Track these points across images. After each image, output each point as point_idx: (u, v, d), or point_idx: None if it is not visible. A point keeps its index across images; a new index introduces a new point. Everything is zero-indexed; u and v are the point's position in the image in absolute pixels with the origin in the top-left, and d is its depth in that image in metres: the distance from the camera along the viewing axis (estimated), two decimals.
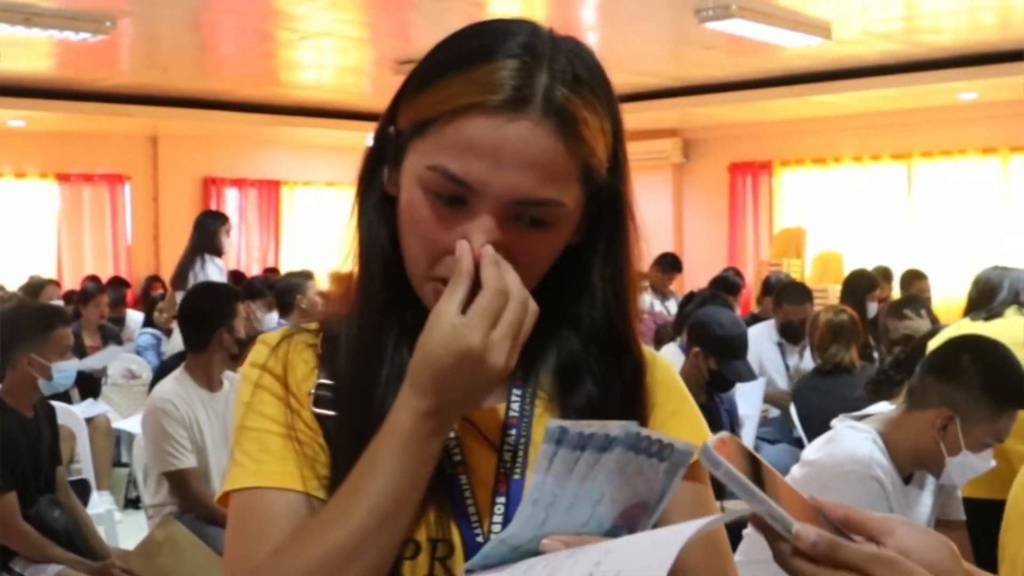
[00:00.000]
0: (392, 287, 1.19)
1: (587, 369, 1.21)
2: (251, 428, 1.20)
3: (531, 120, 1.09)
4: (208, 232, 8.04)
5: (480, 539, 1.15)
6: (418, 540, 1.13)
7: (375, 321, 1.19)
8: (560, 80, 1.11)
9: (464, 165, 1.09)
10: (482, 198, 1.10)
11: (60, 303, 8.70)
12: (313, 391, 1.20)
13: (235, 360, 4.51)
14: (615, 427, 0.98)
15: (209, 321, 4.54)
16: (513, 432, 1.20)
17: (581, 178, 1.14)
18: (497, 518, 1.16)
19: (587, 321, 1.21)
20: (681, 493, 1.19)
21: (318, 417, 1.19)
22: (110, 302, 9.51)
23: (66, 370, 4.36)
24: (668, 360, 1.34)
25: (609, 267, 1.21)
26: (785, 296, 7.13)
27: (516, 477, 1.18)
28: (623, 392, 1.21)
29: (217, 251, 7.97)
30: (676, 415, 1.26)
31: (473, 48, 1.13)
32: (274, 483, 1.16)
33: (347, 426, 1.17)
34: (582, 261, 1.20)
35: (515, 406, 1.21)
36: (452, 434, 1.17)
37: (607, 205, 1.18)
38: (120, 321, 9.66)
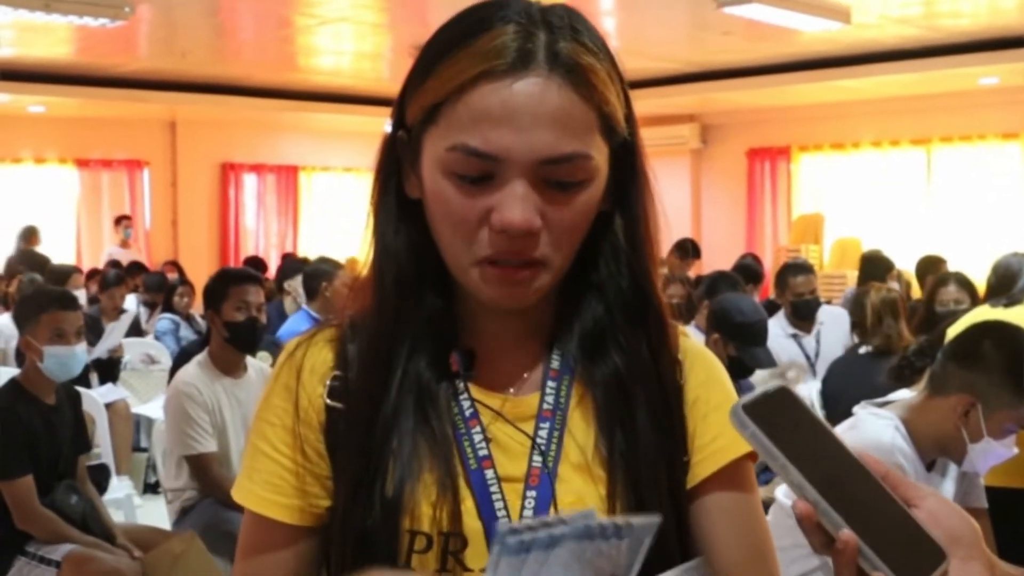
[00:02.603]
0: (406, 296, 1.18)
1: (612, 336, 1.19)
2: (255, 443, 1.23)
3: (539, 76, 1.08)
4: None
5: None
6: (429, 534, 1.12)
7: (387, 331, 1.18)
8: (560, 35, 1.10)
9: (483, 136, 1.08)
10: (508, 167, 1.08)
11: (82, 292, 8.70)
12: (328, 383, 1.20)
13: (230, 343, 4.49)
14: (569, 519, 0.90)
15: (206, 304, 4.61)
16: (546, 425, 1.17)
17: (601, 129, 1.12)
18: (528, 512, 1.14)
19: (612, 286, 1.19)
20: (724, 502, 1.19)
21: (328, 409, 1.19)
22: (148, 287, 9.57)
23: (58, 356, 4.16)
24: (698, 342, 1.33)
25: (632, 230, 1.19)
26: (789, 273, 6.90)
27: (548, 471, 1.15)
28: (651, 356, 1.19)
29: None
30: (707, 384, 1.24)
31: (469, 25, 1.12)
32: (269, 512, 1.19)
33: (354, 427, 1.17)
34: (605, 226, 1.18)
35: (549, 398, 1.18)
36: (478, 428, 1.17)
37: (626, 165, 1.17)
38: (155, 306, 9.64)
